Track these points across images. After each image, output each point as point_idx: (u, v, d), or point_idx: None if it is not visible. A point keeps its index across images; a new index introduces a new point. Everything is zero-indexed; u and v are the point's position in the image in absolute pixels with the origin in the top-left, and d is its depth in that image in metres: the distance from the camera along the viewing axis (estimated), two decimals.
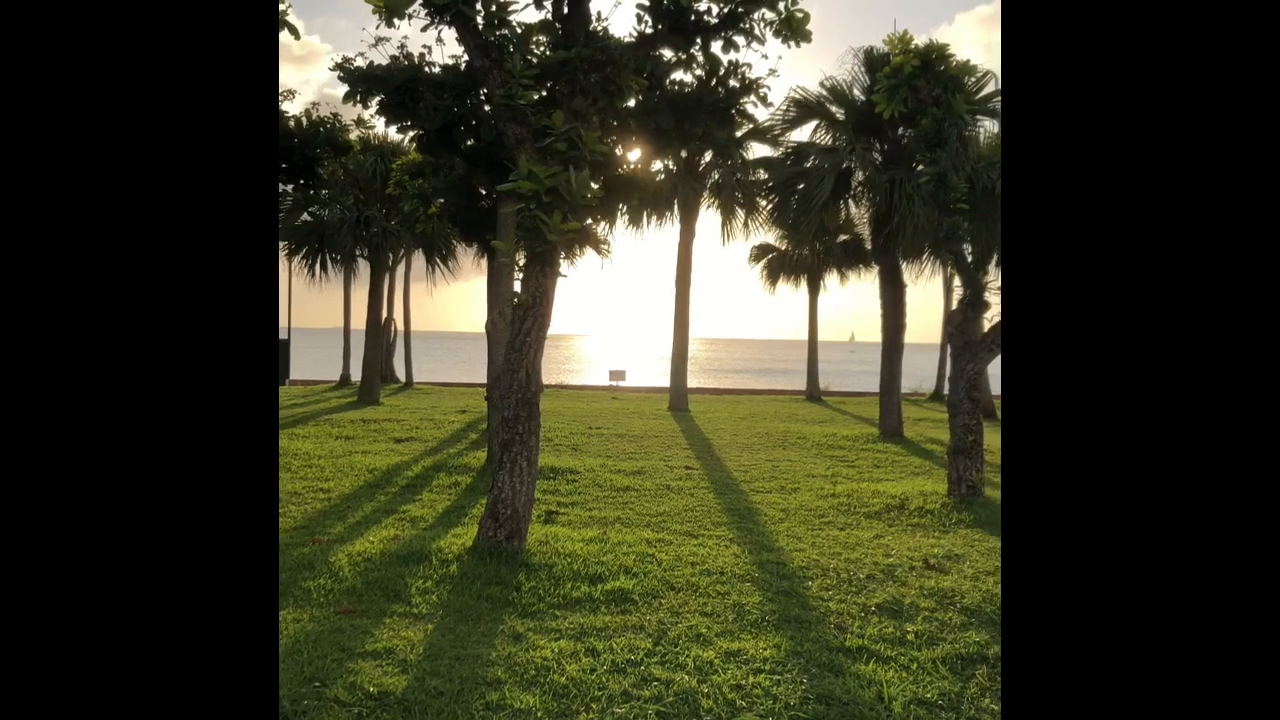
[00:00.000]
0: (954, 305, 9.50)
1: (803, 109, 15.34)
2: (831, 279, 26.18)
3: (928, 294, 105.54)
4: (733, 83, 9.43)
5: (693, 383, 32.65)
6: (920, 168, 9.59)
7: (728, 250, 39.65)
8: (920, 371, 32.18)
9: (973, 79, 12.77)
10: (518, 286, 6.43)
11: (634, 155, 11.14)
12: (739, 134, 20.10)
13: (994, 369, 22.25)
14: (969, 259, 9.66)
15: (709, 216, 21.46)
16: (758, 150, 20.28)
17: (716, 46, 7.96)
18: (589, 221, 18.85)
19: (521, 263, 6.36)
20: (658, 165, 18.08)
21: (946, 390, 14.99)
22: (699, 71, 9.31)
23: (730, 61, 9.18)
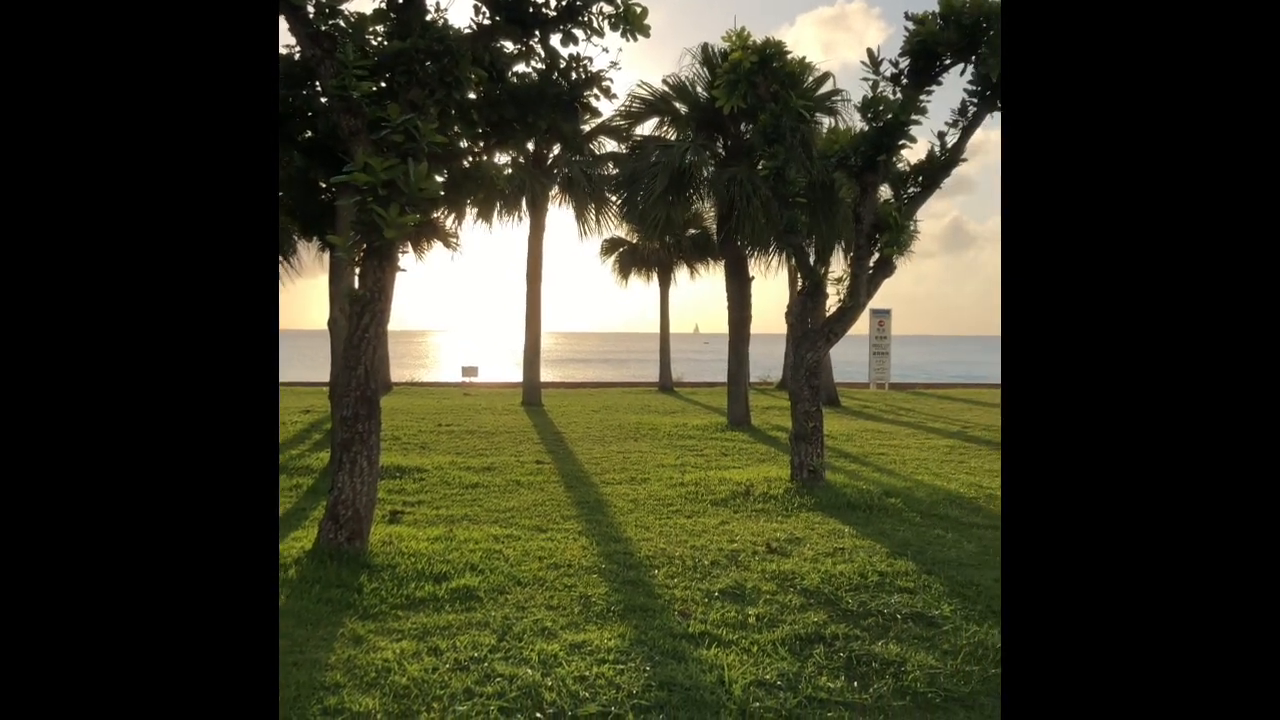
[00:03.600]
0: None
1: (647, 104, 15.48)
2: (682, 272, 26.55)
3: (778, 285, 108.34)
4: (575, 75, 9.42)
5: (546, 377, 32.57)
6: (760, 162, 9.81)
7: (584, 244, 39.70)
8: (769, 361, 32.96)
9: (810, 77, 13.15)
10: (357, 282, 6.27)
11: (479, 148, 11.01)
12: (587, 129, 20.15)
13: (839, 357, 23.05)
14: (809, 251, 9.94)
15: (562, 211, 21.42)
16: (609, 145, 20.36)
17: (556, 39, 7.94)
18: (436, 215, 18.53)
19: (360, 258, 6.21)
20: (505, 159, 17.93)
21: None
22: (540, 64, 9.27)
23: (571, 55, 9.17)
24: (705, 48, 15.20)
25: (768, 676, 4.24)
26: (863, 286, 8.88)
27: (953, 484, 9.45)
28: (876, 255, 8.92)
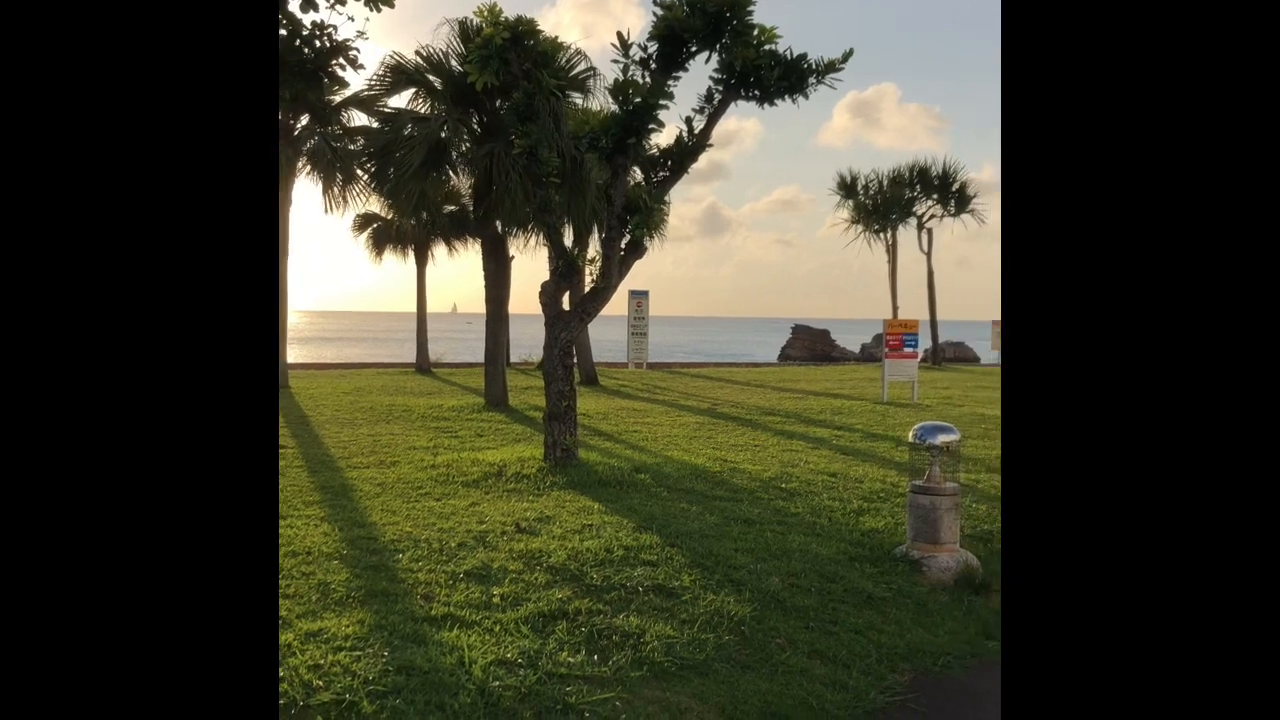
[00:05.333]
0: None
1: (400, 75, 15.04)
2: (440, 250, 26.06)
3: (541, 265, 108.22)
4: (319, 44, 9.02)
5: (295, 357, 31.17)
6: (514, 140, 9.75)
7: (343, 219, 38.15)
8: (532, 341, 32.99)
9: (564, 57, 13.18)
10: None
11: None
12: (338, 100, 19.38)
13: (599, 337, 23.39)
14: (564, 231, 9.98)
15: (310, 184, 20.51)
16: (360, 119, 19.67)
17: (295, 5, 7.56)
18: None
19: None
20: None
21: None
22: (282, 31, 8.82)
23: (314, 23, 8.78)
24: (463, 22, 14.93)
25: (509, 655, 4.24)
26: (614, 267, 9.01)
27: (700, 459, 9.79)
28: (628, 237, 9.07)
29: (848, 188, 32.59)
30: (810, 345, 44.56)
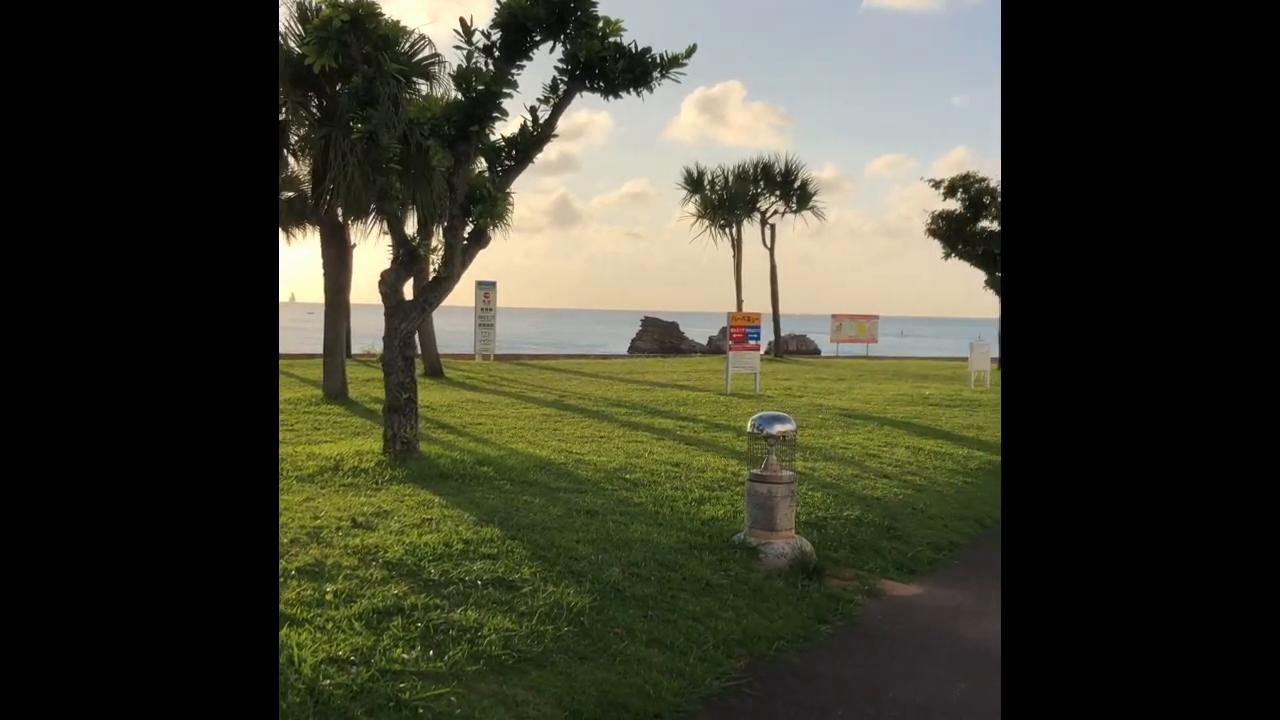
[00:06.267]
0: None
1: None
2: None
3: (386, 254, 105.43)
4: None
5: None
6: (353, 125, 9.47)
7: None
8: (376, 332, 32.20)
9: (408, 41, 12.89)
10: None
11: None
12: None
13: (446, 328, 23.02)
14: (407, 219, 9.76)
15: None
16: None
17: None
18: None
19: None
20: None
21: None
22: None
23: None
24: (301, 2, 14.42)
25: (340, 653, 4.13)
26: (457, 257, 8.87)
27: (545, 450, 9.76)
28: (471, 226, 8.95)
29: (695, 183, 33.07)
30: (659, 337, 45.06)
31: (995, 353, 23.53)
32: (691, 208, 33.26)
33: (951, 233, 26.37)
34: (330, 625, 4.44)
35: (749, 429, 6.87)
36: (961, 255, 26.55)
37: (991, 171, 27.88)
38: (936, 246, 26.82)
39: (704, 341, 44.93)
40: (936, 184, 26.88)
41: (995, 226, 26.13)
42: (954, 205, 26.60)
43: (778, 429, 6.69)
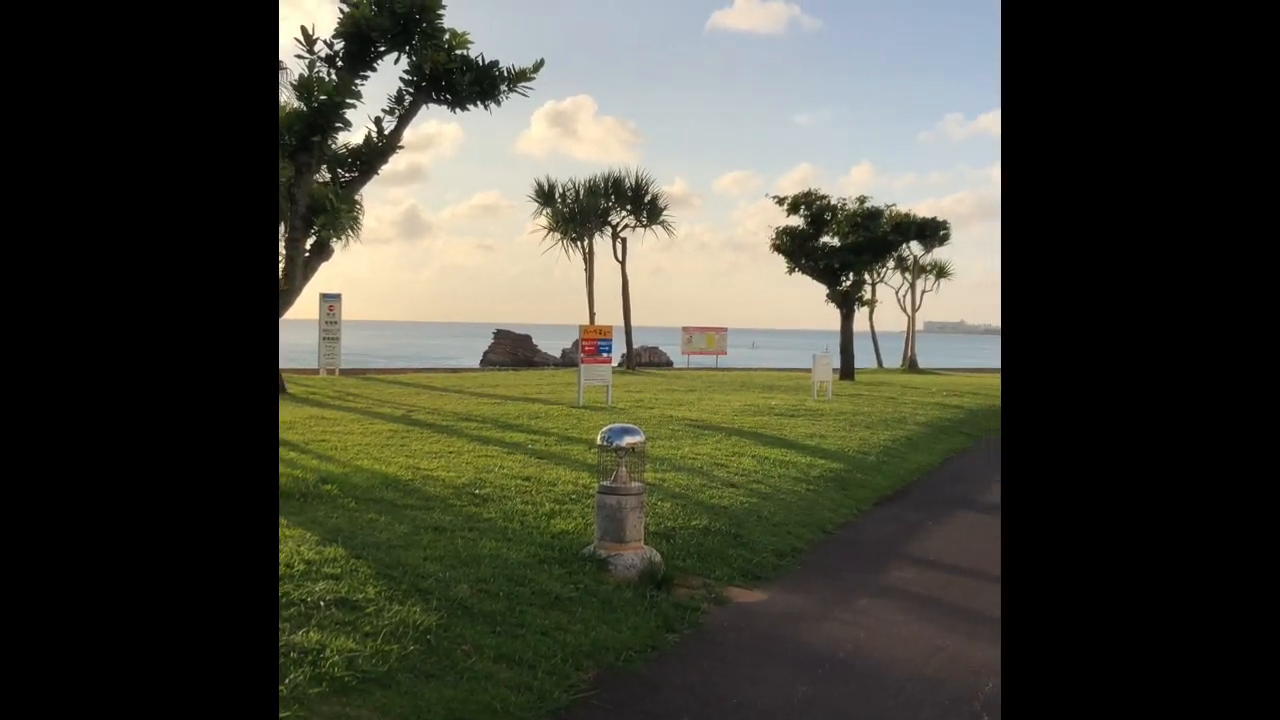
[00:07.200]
0: None
1: None
2: None
3: None
4: None
5: None
6: None
7: None
8: None
9: None
10: None
11: None
12: None
13: (290, 342, 22.21)
14: None
15: None
16: None
17: None
18: None
19: None
20: None
21: None
22: None
23: None
24: None
25: None
26: (299, 270, 8.64)
27: (392, 467, 9.58)
28: (313, 238, 8.74)
29: (546, 195, 33.06)
30: (512, 350, 44.79)
31: (837, 363, 24.39)
32: (543, 220, 33.23)
33: (795, 248, 27.23)
34: None
35: (598, 441, 6.93)
36: (804, 270, 27.45)
37: (831, 188, 28.95)
38: (782, 261, 27.64)
39: (557, 354, 44.91)
40: (780, 200, 27.74)
41: (836, 242, 27.13)
42: (797, 221, 27.48)
43: (627, 441, 6.76)
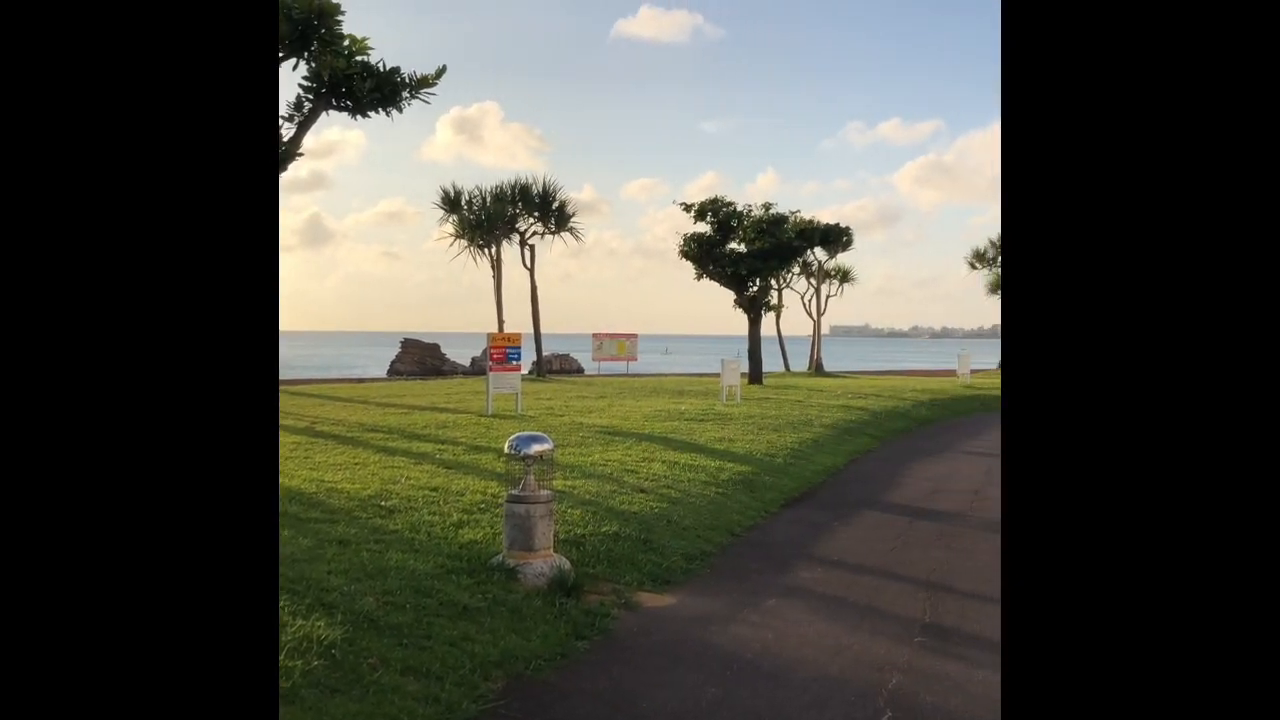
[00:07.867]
0: None
1: None
2: None
3: None
4: None
5: None
6: None
7: None
8: None
9: None
10: None
11: None
12: None
13: None
14: None
15: None
16: None
17: None
18: None
19: None
20: None
21: None
22: None
23: None
24: None
25: None
26: None
27: (295, 480, 9.39)
28: None
29: (452, 203, 32.77)
30: (420, 359, 44.29)
31: (745, 368, 24.69)
32: (449, 228, 32.91)
33: (702, 254, 27.49)
34: None
35: (506, 450, 6.90)
36: (712, 276, 27.73)
37: (738, 195, 29.35)
38: (690, 267, 27.88)
39: (466, 363, 44.56)
40: (688, 207, 27.98)
41: (742, 248, 27.47)
42: (704, 228, 27.75)
43: (535, 449, 6.75)
